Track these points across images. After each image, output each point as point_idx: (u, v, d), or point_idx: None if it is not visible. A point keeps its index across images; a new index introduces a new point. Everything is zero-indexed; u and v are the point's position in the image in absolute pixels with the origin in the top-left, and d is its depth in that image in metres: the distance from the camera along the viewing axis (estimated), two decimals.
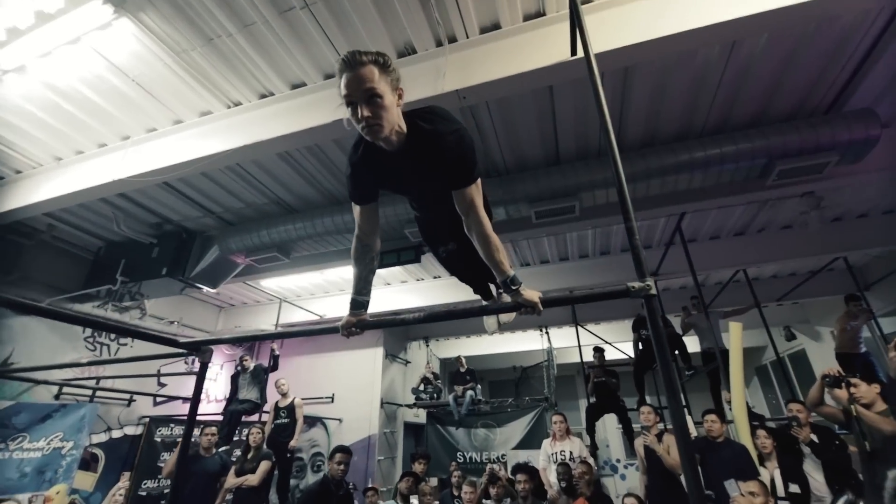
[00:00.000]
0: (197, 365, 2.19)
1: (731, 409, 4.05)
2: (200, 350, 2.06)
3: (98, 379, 5.58)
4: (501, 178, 4.23)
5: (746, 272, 6.06)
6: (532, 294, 1.49)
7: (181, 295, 6.76)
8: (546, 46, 2.73)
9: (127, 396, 6.16)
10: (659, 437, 3.83)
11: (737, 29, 2.42)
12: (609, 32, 2.60)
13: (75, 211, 4.93)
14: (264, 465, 4.26)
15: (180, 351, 2.21)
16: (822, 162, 3.52)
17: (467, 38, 2.95)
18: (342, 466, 3.51)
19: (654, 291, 1.49)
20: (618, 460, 9.46)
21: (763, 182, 3.95)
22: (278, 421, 5.30)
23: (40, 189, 4.15)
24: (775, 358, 6.32)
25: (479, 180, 1.50)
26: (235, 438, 5.72)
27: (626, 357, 7.05)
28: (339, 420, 7.39)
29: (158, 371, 6.67)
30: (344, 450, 3.63)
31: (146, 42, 2.98)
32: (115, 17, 2.73)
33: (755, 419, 4.54)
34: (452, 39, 2.98)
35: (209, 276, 5.20)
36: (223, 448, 5.17)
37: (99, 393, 5.85)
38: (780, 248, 5.70)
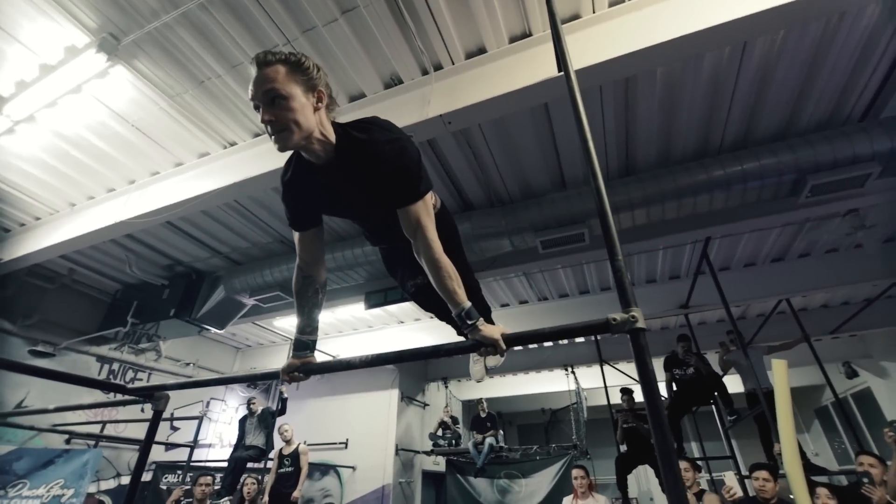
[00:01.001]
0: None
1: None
2: (154, 397, 1.90)
3: (103, 423, 5.54)
4: (505, 207, 4.03)
5: (790, 302, 5.46)
6: (492, 330, 1.22)
7: (199, 336, 6.79)
8: (533, 66, 2.60)
9: (138, 441, 6.08)
10: (698, 496, 3.30)
11: (734, 31, 2.21)
12: (600, 45, 2.44)
13: (92, 254, 5.08)
14: None
15: (133, 397, 2.05)
16: (861, 174, 3.13)
17: (453, 64, 2.87)
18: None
19: (640, 324, 1.20)
20: None
21: (795, 200, 3.56)
22: (281, 470, 5.02)
23: (56, 233, 4.29)
24: (835, 399, 5.56)
25: (427, 196, 1.32)
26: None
27: (662, 398, 6.41)
28: (353, 468, 7.00)
29: (172, 415, 6.59)
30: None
31: (141, 87, 3.07)
32: (109, 64, 2.83)
33: (814, 473, 3.89)
34: (438, 67, 2.90)
35: (216, 316, 5.17)
36: (225, 498, 4.93)
37: (111, 436, 5.80)
38: (826, 274, 5.13)
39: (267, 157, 3.38)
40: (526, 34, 2.72)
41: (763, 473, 3.17)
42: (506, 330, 1.26)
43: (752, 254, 5.24)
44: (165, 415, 6.65)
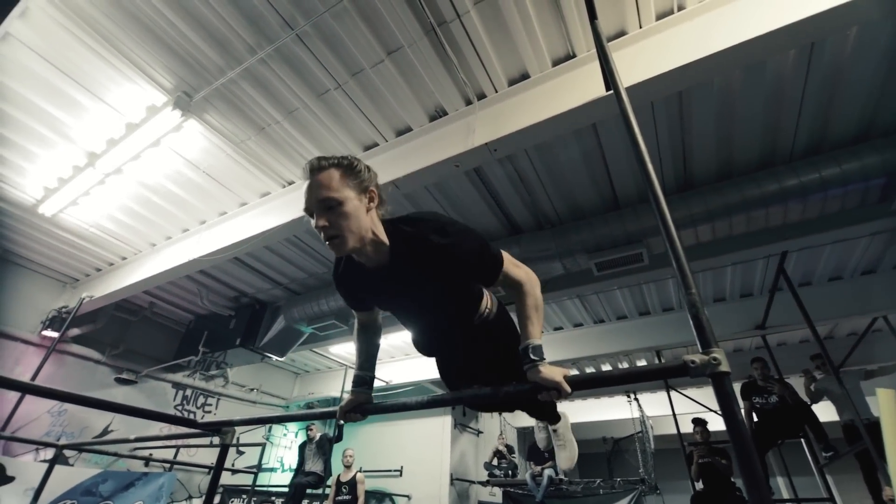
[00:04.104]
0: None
1: None
2: (221, 431, 1.99)
3: (177, 448, 5.88)
4: (554, 228, 3.93)
5: (888, 320, 4.81)
6: (553, 372, 1.15)
7: (262, 363, 7.13)
8: (579, 87, 2.56)
9: (208, 464, 6.40)
10: None
11: (800, 33, 2.05)
12: (650, 60, 2.36)
13: (169, 289, 5.53)
14: None
15: (207, 433, 2.17)
16: None
17: (496, 92, 2.89)
18: None
19: (724, 368, 1.09)
20: None
21: (888, 206, 3.18)
22: (339, 497, 5.05)
23: (140, 270, 4.73)
24: None
25: (502, 253, 1.28)
26: None
27: None
28: (408, 497, 6.91)
29: (237, 440, 6.90)
30: None
31: (211, 137, 3.36)
32: (183, 119, 3.13)
33: None
34: (482, 96, 2.94)
35: (277, 345, 5.40)
36: None
37: (184, 460, 6.15)
38: None
39: None
40: (570, 56, 2.69)
41: None
42: (568, 372, 1.18)
43: (838, 266, 4.72)
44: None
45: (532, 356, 1.18)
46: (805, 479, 7.03)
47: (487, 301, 1.44)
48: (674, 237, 1.14)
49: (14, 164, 3.71)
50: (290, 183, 3.78)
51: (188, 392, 6.58)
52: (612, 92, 2.39)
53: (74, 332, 5.33)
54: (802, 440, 5.62)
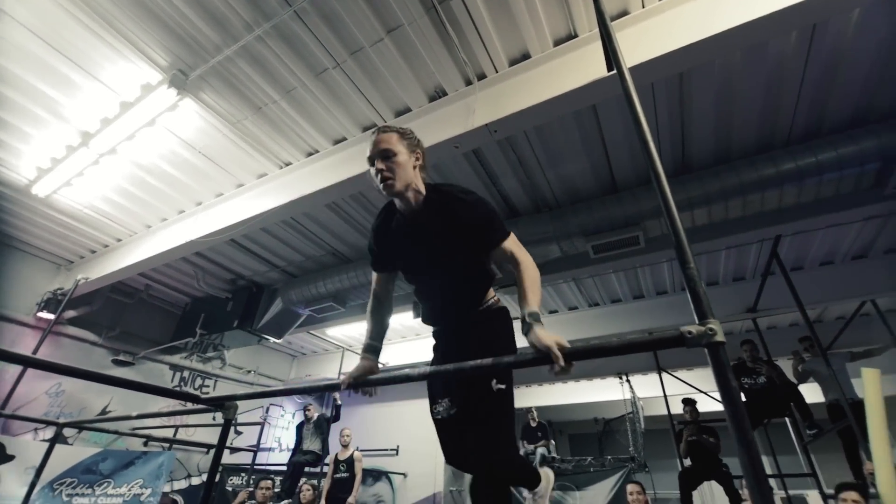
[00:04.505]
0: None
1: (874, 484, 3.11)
2: (224, 406, 2.02)
3: (176, 428, 5.94)
4: (552, 211, 3.95)
5: (876, 304, 4.92)
6: (547, 337, 1.18)
7: (259, 346, 7.17)
8: (580, 67, 2.54)
9: (206, 444, 6.49)
10: None
11: (804, 13, 2.05)
12: (653, 40, 2.35)
13: (165, 271, 5.51)
14: None
15: (211, 408, 2.20)
16: None
17: (496, 72, 2.87)
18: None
19: (720, 338, 1.13)
20: None
21: (881, 191, 3.22)
22: (337, 475, 5.15)
23: (135, 252, 4.70)
24: None
25: (513, 236, 1.47)
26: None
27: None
28: (404, 475, 7.07)
29: (235, 420, 6.97)
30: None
31: (207, 117, 3.31)
32: (179, 98, 3.08)
33: None
34: (482, 76, 2.91)
35: (275, 327, 5.43)
36: (285, 501, 5.13)
37: (182, 439, 6.22)
38: None
39: (320, 175, 3.53)
40: (571, 35, 2.67)
41: (852, 494, 2.86)
42: (563, 341, 1.19)
43: (830, 251, 4.80)
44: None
45: (528, 320, 1.26)
46: (789, 459, 7.27)
47: (495, 295, 1.62)
48: (672, 210, 1.17)
49: (6, 144, 3.64)
50: (288, 164, 3.74)
51: (185, 374, 6.62)
52: (614, 72, 2.39)
53: (70, 314, 5.32)
54: (788, 420, 5.79)
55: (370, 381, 1.51)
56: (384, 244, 1.56)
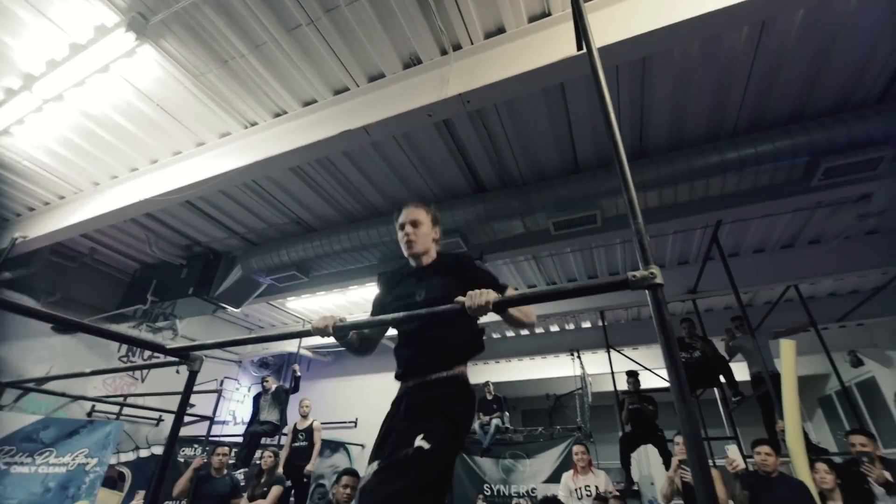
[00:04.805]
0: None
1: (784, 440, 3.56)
2: (190, 357, 2.01)
3: (125, 396, 5.72)
4: (518, 188, 4.09)
5: (799, 289, 5.50)
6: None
7: (213, 316, 6.96)
8: (552, 45, 2.64)
9: (156, 416, 6.29)
10: None
11: (756, 9, 2.24)
12: (621, 23, 2.48)
13: (112, 234, 5.21)
14: (275, 491, 4.13)
15: (173, 359, 2.18)
16: (874, 157, 3.17)
17: (472, 44, 2.92)
18: (349, 490, 3.32)
19: (659, 280, 1.29)
20: None
21: (808, 183, 3.59)
22: (296, 444, 5.19)
23: (80, 212, 4.40)
24: (840, 387, 5.60)
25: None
26: (257, 461, 5.66)
27: (666, 383, 6.49)
28: (362, 445, 7.20)
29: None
30: (351, 472, 3.46)
31: (167, 67, 3.14)
32: (137, 43, 2.90)
33: (815, 454, 3.98)
34: (457, 47, 2.95)
35: (233, 295, 5.30)
36: (241, 469, 5.11)
37: (129, 412, 6.00)
38: (836, 261, 5.16)
39: (286, 137, 3.46)
40: (545, 13, 2.76)
41: (765, 448, 3.26)
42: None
43: (763, 240, 5.28)
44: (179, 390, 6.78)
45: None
46: (716, 431, 8.05)
47: (466, 369, 1.57)
48: (624, 164, 1.30)
49: None
50: (253, 124, 3.63)
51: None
52: (583, 52, 2.51)
53: (6, 275, 4.93)
54: (717, 394, 6.40)
55: (356, 325, 1.58)
56: (389, 287, 1.77)
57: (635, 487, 6.48)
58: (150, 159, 4.04)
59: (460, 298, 1.37)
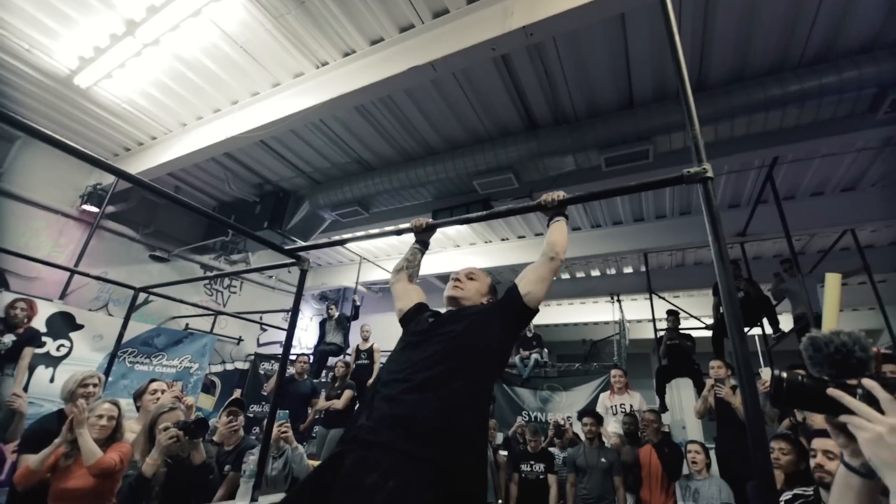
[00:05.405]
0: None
1: None
2: (300, 259, 2.47)
3: (216, 314, 6.59)
4: (571, 125, 4.21)
5: (856, 235, 5.35)
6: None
7: (278, 255, 7.65)
8: None
9: (237, 336, 7.22)
10: (733, 389, 3.68)
11: None
12: None
13: (195, 173, 5.82)
14: (348, 393, 4.82)
15: (288, 261, 2.67)
16: None
17: None
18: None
19: (710, 174, 1.54)
20: None
21: (873, 116, 3.51)
22: (359, 361, 5.88)
23: (169, 151, 4.97)
24: (893, 343, 5.51)
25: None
26: (323, 378, 6.47)
27: (704, 326, 6.66)
28: None
29: (261, 318, 7.68)
30: None
31: (251, 9, 3.44)
32: None
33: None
34: None
35: (302, 230, 5.85)
36: (314, 379, 5.89)
37: (216, 332, 6.91)
38: None
39: (355, 76, 3.73)
40: None
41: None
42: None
43: (822, 182, 5.15)
44: (255, 318, 7.61)
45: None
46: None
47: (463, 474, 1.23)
48: (682, 64, 1.51)
49: (51, 29, 3.76)
50: (325, 64, 3.92)
51: (215, 272, 7.17)
52: None
53: (109, 209, 5.69)
54: (757, 339, 6.48)
55: (440, 223, 1.94)
56: (413, 316, 1.60)
57: (666, 430, 6.85)
58: (231, 100, 4.46)
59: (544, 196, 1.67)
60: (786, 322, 5.77)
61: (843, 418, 0.70)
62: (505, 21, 3.00)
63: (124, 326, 3.77)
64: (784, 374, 0.77)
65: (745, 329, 5.21)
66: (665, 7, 1.97)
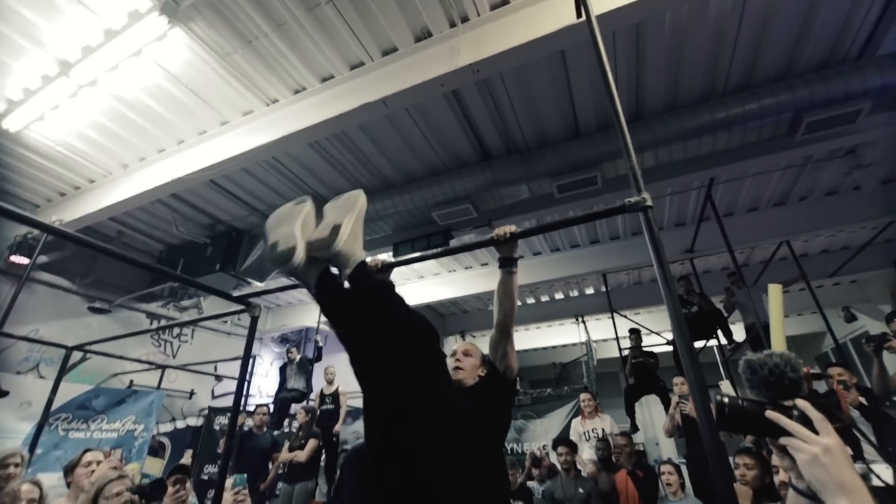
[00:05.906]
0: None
1: None
2: (251, 305, 2.32)
3: (164, 367, 6.10)
4: (522, 155, 4.35)
5: (791, 246, 5.77)
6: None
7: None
8: (555, 13, 2.87)
9: (188, 390, 6.69)
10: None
11: None
12: None
13: (139, 216, 5.51)
14: (312, 443, 4.52)
15: (237, 308, 2.49)
16: (852, 110, 3.41)
17: (479, 15, 3.14)
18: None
19: (649, 203, 1.58)
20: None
21: (792, 138, 3.85)
22: (324, 407, 5.57)
23: (110, 195, 4.68)
24: (835, 345, 5.87)
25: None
26: (286, 429, 6.06)
27: (665, 341, 6.86)
28: None
29: (215, 367, 7.18)
30: None
31: (196, 49, 3.38)
32: (169, 27, 3.13)
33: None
34: (465, 19, 3.18)
35: (258, 270, 5.61)
36: (275, 432, 5.50)
37: (165, 386, 6.38)
38: (826, 216, 5.44)
39: (305, 113, 3.71)
40: None
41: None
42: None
43: (756, 198, 5.54)
44: (209, 369, 7.16)
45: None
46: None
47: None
48: (619, 111, 1.58)
49: None
50: (275, 101, 3.88)
51: (163, 322, 6.69)
52: (583, 19, 2.75)
53: (42, 259, 5.24)
54: (715, 350, 6.74)
55: (398, 262, 1.88)
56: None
57: (639, 448, 6.88)
58: (176, 140, 4.30)
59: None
60: (739, 332, 6.06)
61: (783, 440, 0.69)
62: (452, 59, 3.10)
63: (54, 391, 3.41)
64: (726, 400, 0.77)
65: (703, 342, 5.44)
66: (597, 47, 2.07)
